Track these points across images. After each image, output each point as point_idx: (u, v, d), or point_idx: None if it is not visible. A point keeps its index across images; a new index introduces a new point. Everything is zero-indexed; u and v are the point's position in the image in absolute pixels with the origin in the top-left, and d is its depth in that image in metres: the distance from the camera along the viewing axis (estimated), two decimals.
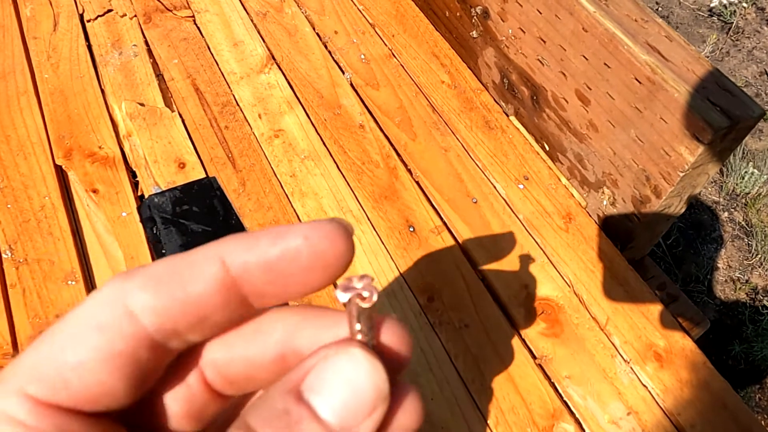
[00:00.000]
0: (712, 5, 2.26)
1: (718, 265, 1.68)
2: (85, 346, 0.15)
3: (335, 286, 0.17)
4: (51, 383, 0.15)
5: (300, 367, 0.16)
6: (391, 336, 0.17)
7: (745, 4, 2.27)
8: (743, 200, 1.79)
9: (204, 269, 0.16)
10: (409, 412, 0.16)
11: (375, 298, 0.16)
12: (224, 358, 0.17)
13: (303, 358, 0.16)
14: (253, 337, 0.17)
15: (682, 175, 0.56)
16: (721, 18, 2.24)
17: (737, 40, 2.20)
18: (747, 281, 1.63)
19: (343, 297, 0.16)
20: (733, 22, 2.21)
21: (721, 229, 1.74)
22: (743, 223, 1.75)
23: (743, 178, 1.75)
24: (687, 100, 0.53)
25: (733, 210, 1.78)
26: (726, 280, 1.66)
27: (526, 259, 0.62)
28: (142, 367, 0.16)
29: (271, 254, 0.16)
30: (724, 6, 2.25)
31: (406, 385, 0.17)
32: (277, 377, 0.17)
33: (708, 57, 2.12)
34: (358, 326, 0.16)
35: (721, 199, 1.80)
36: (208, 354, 0.17)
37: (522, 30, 0.69)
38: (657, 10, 2.29)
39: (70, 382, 0.15)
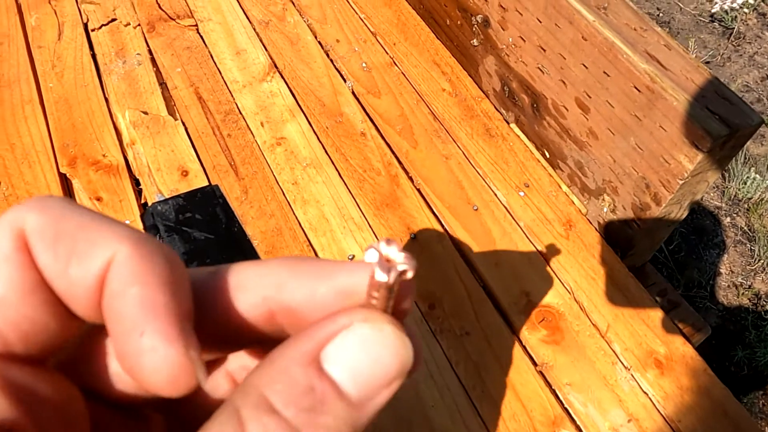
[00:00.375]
0: (713, 11, 2.27)
1: (721, 270, 1.68)
2: None
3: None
4: None
5: (316, 332, 0.15)
6: (406, 297, 0.16)
7: (746, 10, 2.28)
8: (745, 205, 1.79)
9: (95, 259, 0.14)
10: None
11: (413, 271, 0.15)
12: (199, 321, 0.15)
13: (315, 321, 0.15)
14: (235, 295, 0.16)
15: (681, 182, 0.57)
16: (723, 23, 2.25)
17: (738, 46, 2.20)
18: (750, 287, 1.63)
19: (383, 277, 0.15)
20: (734, 28, 2.22)
21: (724, 235, 1.74)
22: (745, 228, 1.75)
23: (745, 184, 1.75)
24: (686, 109, 0.54)
25: (735, 215, 1.78)
26: (728, 286, 1.66)
27: (526, 267, 0.62)
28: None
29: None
30: (725, 12, 2.25)
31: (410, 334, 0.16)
32: (261, 339, 0.16)
33: (709, 62, 2.13)
34: (381, 300, 0.15)
35: (723, 205, 1.80)
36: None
37: (522, 38, 0.70)
38: (658, 15, 2.29)
39: None
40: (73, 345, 0.16)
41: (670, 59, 0.57)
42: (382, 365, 0.14)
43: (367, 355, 0.14)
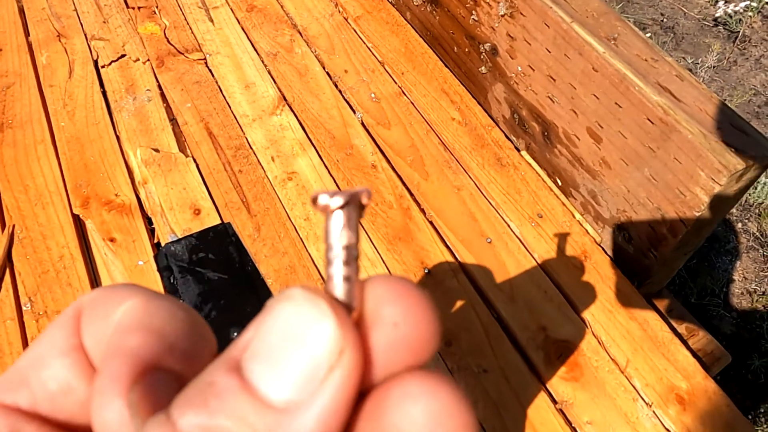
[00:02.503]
0: (717, 15, 2.27)
1: (734, 277, 1.66)
2: (42, 342, 0.14)
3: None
4: (7, 382, 0.14)
5: (245, 332, 0.12)
6: (400, 295, 0.13)
7: (750, 13, 2.27)
8: (756, 211, 1.77)
9: (114, 315, 0.14)
10: (438, 410, 0.12)
11: (366, 199, 0.13)
12: None
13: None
14: None
15: (698, 214, 0.56)
16: (727, 27, 2.24)
17: (744, 49, 2.19)
18: (764, 293, 1.61)
19: (334, 201, 0.13)
20: (739, 31, 2.21)
21: (736, 241, 1.73)
22: (757, 234, 1.74)
23: (756, 189, 1.74)
24: (701, 142, 0.53)
25: (746, 221, 1.77)
26: (742, 293, 1.65)
27: (542, 300, 0.62)
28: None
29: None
30: (729, 15, 2.25)
31: (432, 372, 0.12)
32: None
33: (715, 66, 2.12)
34: (337, 266, 0.13)
35: (735, 210, 1.78)
36: None
37: (531, 67, 0.69)
38: (662, 21, 2.29)
39: (27, 378, 0.14)
40: None
41: (682, 90, 0.57)
42: (298, 344, 0.11)
43: (281, 336, 0.12)
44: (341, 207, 0.13)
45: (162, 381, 0.13)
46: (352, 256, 0.13)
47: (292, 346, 0.11)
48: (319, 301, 0.12)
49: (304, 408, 0.11)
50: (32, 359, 0.14)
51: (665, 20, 2.31)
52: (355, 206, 0.13)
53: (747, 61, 2.14)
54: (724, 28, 2.24)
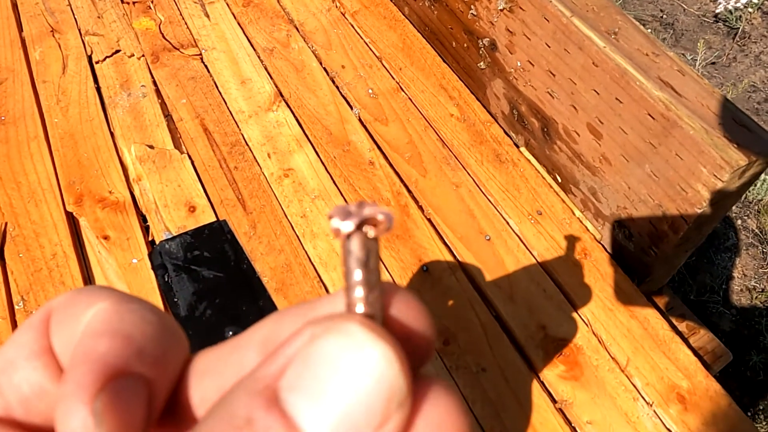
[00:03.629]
0: (717, 11, 2.26)
1: (733, 274, 1.66)
2: (12, 346, 0.14)
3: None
4: None
5: (277, 355, 0.11)
6: (406, 308, 0.13)
7: (750, 9, 2.26)
8: (756, 207, 1.77)
9: (84, 318, 0.14)
10: (439, 419, 0.11)
11: (390, 224, 0.12)
12: (198, 394, 0.14)
13: (282, 341, 0.12)
14: (230, 358, 0.14)
15: (699, 211, 0.55)
16: (727, 23, 2.23)
17: (744, 45, 2.18)
18: (763, 290, 1.61)
19: (345, 226, 0.11)
20: (739, 28, 2.20)
21: (735, 238, 1.72)
22: (757, 230, 1.73)
23: (755, 185, 1.73)
24: (703, 138, 0.52)
25: (746, 218, 1.76)
26: (741, 290, 1.64)
27: (542, 299, 0.61)
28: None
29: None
30: (730, 12, 2.24)
31: (432, 380, 0.12)
32: None
33: (715, 63, 2.11)
34: (359, 291, 0.12)
35: (734, 207, 1.77)
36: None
37: (531, 63, 0.68)
38: (662, 17, 2.28)
39: None
40: None
41: (684, 85, 0.56)
42: (360, 387, 0.11)
43: (336, 374, 0.11)
44: (356, 229, 0.12)
45: (130, 387, 0.12)
46: (373, 280, 0.12)
47: (344, 383, 0.11)
48: (390, 346, 0.11)
49: None
50: (2, 364, 0.14)
51: (665, 16, 2.30)
52: (372, 227, 0.12)
53: (746, 58, 2.13)
54: (723, 25, 2.23)
